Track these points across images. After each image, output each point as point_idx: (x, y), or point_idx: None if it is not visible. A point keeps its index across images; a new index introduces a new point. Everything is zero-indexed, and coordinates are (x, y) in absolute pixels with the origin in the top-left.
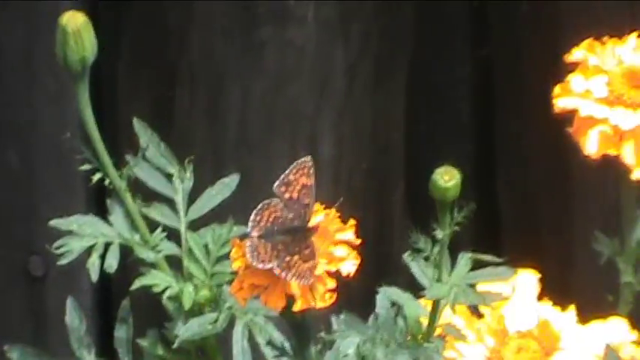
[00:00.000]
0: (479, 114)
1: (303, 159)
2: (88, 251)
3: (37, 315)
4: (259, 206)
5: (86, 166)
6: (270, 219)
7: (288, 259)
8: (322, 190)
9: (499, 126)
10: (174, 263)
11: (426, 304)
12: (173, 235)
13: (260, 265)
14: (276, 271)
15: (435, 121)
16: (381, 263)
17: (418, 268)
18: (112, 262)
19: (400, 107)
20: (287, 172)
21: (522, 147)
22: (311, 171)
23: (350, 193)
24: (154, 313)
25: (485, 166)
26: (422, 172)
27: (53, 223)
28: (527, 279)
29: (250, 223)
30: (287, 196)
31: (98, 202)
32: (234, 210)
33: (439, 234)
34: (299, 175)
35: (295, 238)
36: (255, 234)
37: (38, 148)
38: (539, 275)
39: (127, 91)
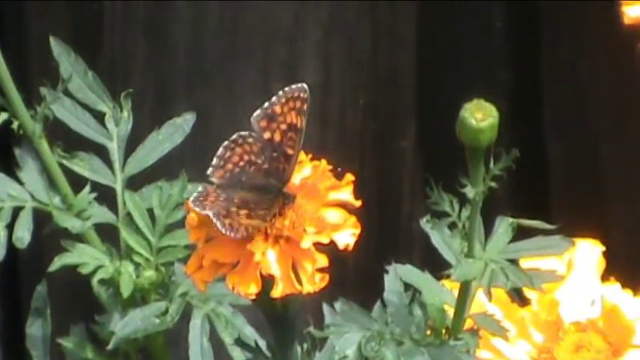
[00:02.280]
0: (518, 29)
1: (297, 85)
2: None
3: None
4: (231, 139)
5: None
6: (241, 162)
7: (234, 209)
8: (304, 132)
9: (546, 46)
10: (109, 235)
11: (452, 286)
12: (106, 196)
13: (196, 208)
14: (210, 215)
15: (458, 40)
16: (387, 233)
17: (441, 239)
18: (24, 234)
19: (410, 19)
20: (273, 100)
21: (576, 77)
22: (304, 107)
23: (342, 138)
24: (79, 303)
25: (527, 101)
26: (440, 108)
27: None
28: (588, 253)
29: (214, 162)
30: (267, 135)
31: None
32: (185, 162)
33: (469, 192)
34: (288, 109)
35: (262, 199)
36: (215, 179)
37: None
38: (602, 248)
39: (36, 4)
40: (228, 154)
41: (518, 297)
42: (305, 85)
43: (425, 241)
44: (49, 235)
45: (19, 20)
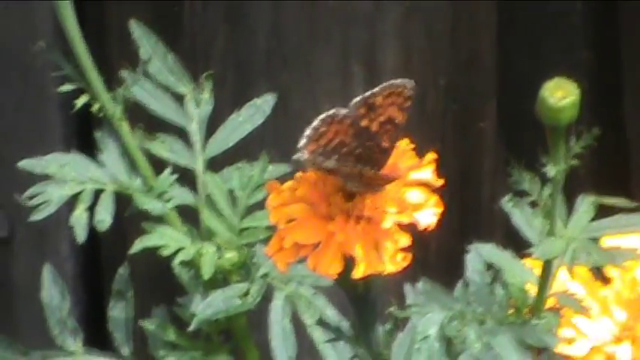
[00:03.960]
0: (597, 9)
1: (400, 81)
2: (72, 202)
3: (1, 287)
4: (329, 114)
5: (67, 87)
6: (335, 141)
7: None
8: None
9: (626, 24)
10: (190, 216)
11: (533, 266)
12: (187, 178)
13: (316, 165)
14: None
15: (537, 21)
16: (468, 213)
17: (522, 218)
18: (105, 217)
19: (491, 1)
20: (376, 90)
21: None
22: (406, 104)
23: (423, 120)
24: (161, 285)
25: (607, 81)
26: (520, 88)
27: (24, 164)
28: None
29: (307, 132)
30: (364, 123)
31: (81, 140)
32: (266, 144)
33: (551, 170)
34: (389, 103)
35: (352, 184)
36: (306, 152)
37: None
38: None
39: None
40: (323, 128)
41: (600, 276)
42: (412, 82)
43: (506, 222)
44: (132, 218)
45: (100, 4)
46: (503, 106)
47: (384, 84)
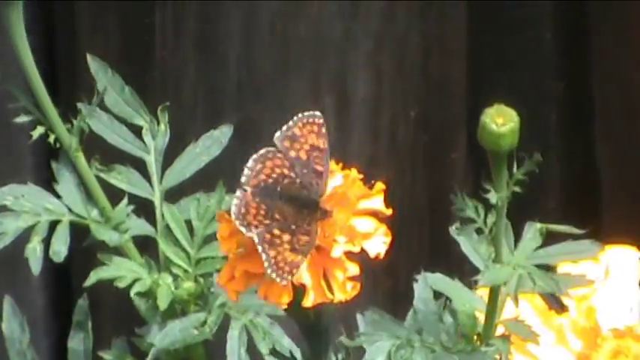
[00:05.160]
0: (567, 38)
1: (309, 113)
2: (28, 233)
3: None
4: (262, 152)
5: (23, 118)
6: (274, 174)
7: (277, 233)
8: (356, 144)
9: (596, 56)
10: (147, 247)
11: (486, 293)
12: (144, 209)
13: (242, 228)
14: (256, 241)
15: (508, 51)
16: (439, 244)
17: (469, 245)
18: (60, 248)
19: (460, 30)
20: (290, 123)
21: (627, 86)
22: (322, 130)
23: (393, 150)
24: (121, 316)
25: (577, 110)
26: None
27: None
28: (626, 259)
29: (246, 171)
30: (292, 154)
31: (40, 169)
32: (237, 173)
33: (492, 197)
34: (306, 132)
35: (300, 213)
36: (249, 188)
37: None
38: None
39: (87, 19)
40: (258, 166)
41: (557, 304)
42: (318, 113)
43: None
44: (103, 247)
45: (72, 36)
46: (474, 137)
47: (296, 117)
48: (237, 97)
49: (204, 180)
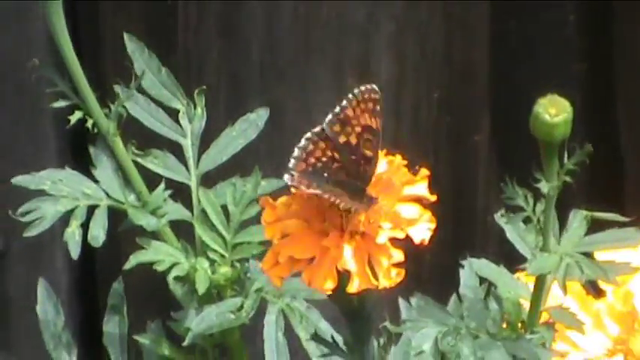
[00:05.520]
0: (591, 22)
1: (367, 86)
2: (66, 218)
3: None
4: (313, 132)
5: (60, 103)
6: (323, 159)
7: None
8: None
9: (618, 37)
10: (184, 232)
11: (527, 280)
12: (181, 193)
13: (302, 187)
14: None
15: (531, 34)
16: (462, 226)
17: (516, 233)
18: (99, 233)
19: (484, 14)
20: (344, 103)
21: None
22: (377, 107)
23: (416, 132)
24: (156, 300)
25: (601, 93)
26: (514, 101)
27: (18, 180)
28: None
29: (296, 153)
30: (342, 139)
31: (75, 155)
32: (260, 157)
33: (544, 186)
34: (360, 111)
35: (343, 195)
36: (296, 172)
37: None
38: None
39: (110, 2)
40: (311, 147)
41: (594, 289)
42: (375, 86)
43: (501, 235)
44: (126, 232)
45: (94, 19)
46: (497, 118)
47: (350, 95)
48: (260, 80)
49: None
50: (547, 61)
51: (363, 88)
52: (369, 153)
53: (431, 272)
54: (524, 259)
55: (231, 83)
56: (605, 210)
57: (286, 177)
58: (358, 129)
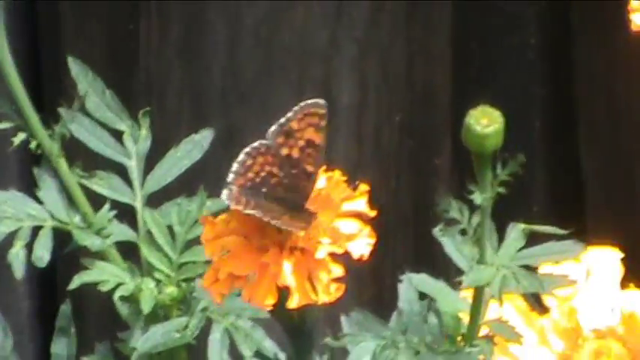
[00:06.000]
0: (552, 45)
1: (313, 101)
2: (11, 239)
3: None
4: (253, 146)
5: (4, 125)
6: (262, 173)
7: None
8: (341, 150)
9: (580, 63)
10: (129, 252)
11: (469, 295)
12: (126, 214)
13: (239, 207)
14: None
15: (492, 56)
16: (423, 249)
17: (453, 246)
18: (43, 254)
19: (444, 36)
20: (290, 115)
21: (611, 93)
22: (322, 123)
23: (378, 156)
24: (105, 320)
25: (562, 117)
26: None
27: None
28: (607, 260)
29: (234, 168)
30: (285, 151)
31: (22, 175)
32: (222, 178)
33: (477, 198)
34: (305, 125)
35: (280, 212)
36: (235, 187)
37: None
38: (621, 254)
39: (72, 25)
40: (249, 162)
41: (539, 305)
42: (322, 101)
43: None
44: (88, 254)
45: (56, 41)
46: (459, 143)
47: (296, 107)
48: (222, 103)
49: (189, 186)
50: (508, 84)
51: (309, 101)
52: (310, 168)
53: (391, 293)
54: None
55: (193, 105)
56: (567, 226)
57: (224, 194)
58: (301, 142)
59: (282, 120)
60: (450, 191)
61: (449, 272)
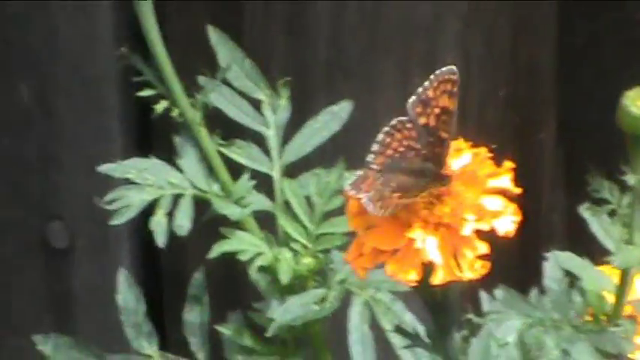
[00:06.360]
0: None
1: (447, 68)
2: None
3: (60, 297)
4: (391, 125)
5: (146, 92)
6: (401, 148)
7: (387, 193)
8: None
9: None
10: (266, 222)
11: (611, 273)
12: (264, 184)
13: (352, 192)
14: (364, 199)
15: (600, 29)
16: (527, 224)
17: (600, 226)
18: (184, 222)
19: (550, 11)
20: (426, 85)
21: None
22: (455, 88)
23: (482, 130)
24: (235, 290)
25: None
26: (580, 99)
27: (104, 168)
28: None
29: (374, 148)
30: (422, 120)
31: (140, 150)
32: (326, 156)
33: (630, 179)
34: (440, 93)
35: (419, 183)
36: (375, 165)
37: (57, 76)
38: None
39: (176, 2)
40: (388, 139)
41: None
42: (454, 67)
43: (565, 232)
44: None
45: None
46: (563, 117)
47: (431, 76)
48: (326, 78)
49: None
50: (614, 59)
51: (443, 69)
52: (444, 135)
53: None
54: (592, 256)
55: (297, 81)
56: None
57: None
58: (437, 110)
59: (419, 90)
60: (555, 166)
61: (551, 248)
